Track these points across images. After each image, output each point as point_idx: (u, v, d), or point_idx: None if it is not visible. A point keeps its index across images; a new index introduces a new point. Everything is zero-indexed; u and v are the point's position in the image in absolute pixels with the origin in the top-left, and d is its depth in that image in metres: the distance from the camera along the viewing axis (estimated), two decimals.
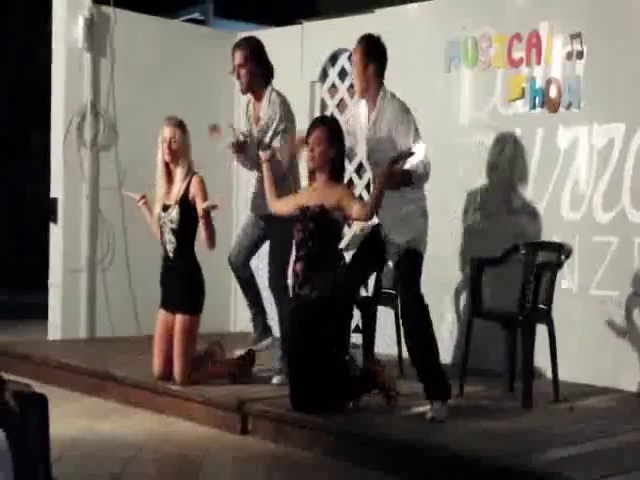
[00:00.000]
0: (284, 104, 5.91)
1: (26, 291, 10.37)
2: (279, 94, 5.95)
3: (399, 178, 4.97)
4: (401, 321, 5.31)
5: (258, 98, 5.97)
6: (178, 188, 5.80)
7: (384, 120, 5.26)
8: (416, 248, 5.18)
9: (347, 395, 5.27)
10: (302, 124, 7.62)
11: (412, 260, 5.17)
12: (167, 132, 5.80)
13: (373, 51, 5.38)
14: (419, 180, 5.10)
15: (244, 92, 6.03)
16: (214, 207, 5.65)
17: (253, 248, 6.09)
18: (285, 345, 5.69)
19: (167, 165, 5.85)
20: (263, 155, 5.49)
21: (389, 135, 5.21)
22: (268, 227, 5.91)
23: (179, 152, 5.80)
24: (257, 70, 5.92)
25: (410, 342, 5.16)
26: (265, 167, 5.46)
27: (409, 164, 5.02)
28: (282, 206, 5.40)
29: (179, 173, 5.81)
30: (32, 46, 9.80)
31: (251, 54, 5.91)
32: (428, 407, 5.10)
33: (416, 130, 5.22)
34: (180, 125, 5.82)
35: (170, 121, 5.84)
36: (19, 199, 12.69)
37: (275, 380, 5.86)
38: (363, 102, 5.43)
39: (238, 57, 5.91)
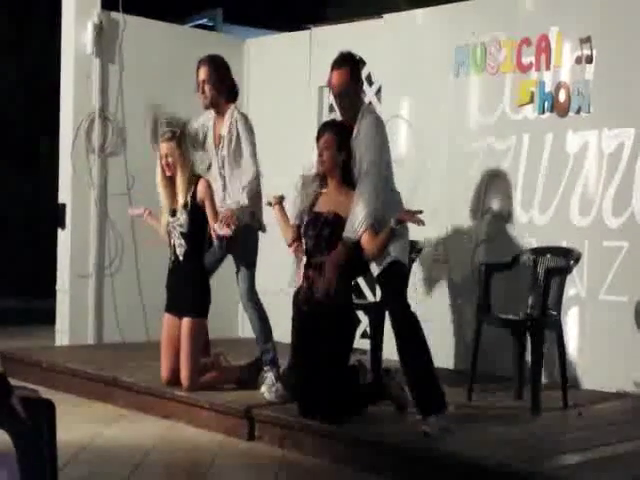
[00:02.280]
0: (246, 122, 5.96)
1: (41, 297, 10.38)
2: (241, 113, 6.03)
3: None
4: (394, 336, 5.11)
5: (221, 115, 6.03)
6: (183, 192, 5.76)
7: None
8: (400, 260, 5.08)
9: (357, 403, 5.24)
10: (310, 129, 7.67)
11: (396, 273, 5.09)
12: (162, 149, 5.77)
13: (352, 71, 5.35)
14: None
15: (206, 108, 6.10)
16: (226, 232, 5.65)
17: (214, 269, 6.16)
18: (293, 351, 5.65)
19: (170, 177, 5.83)
20: (273, 199, 5.50)
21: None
22: (228, 245, 5.92)
23: (176, 164, 5.75)
24: (221, 87, 6.00)
25: (402, 355, 5.06)
26: (277, 210, 5.47)
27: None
28: (290, 233, 5.38)
29: (181, 182, 5.76)
30: (48, 53, 9.84)
31: (215, 71, 6.01)
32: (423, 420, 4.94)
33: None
34: (173, 137, 5.75)
35: (163, 137, 5.79)
36: (33, 206, 12.71)
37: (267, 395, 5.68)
38: None
39: (203, 73, 6.02)
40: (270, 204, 5.54)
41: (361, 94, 5.46)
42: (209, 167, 6.06)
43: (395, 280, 5.11)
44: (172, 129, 5.74)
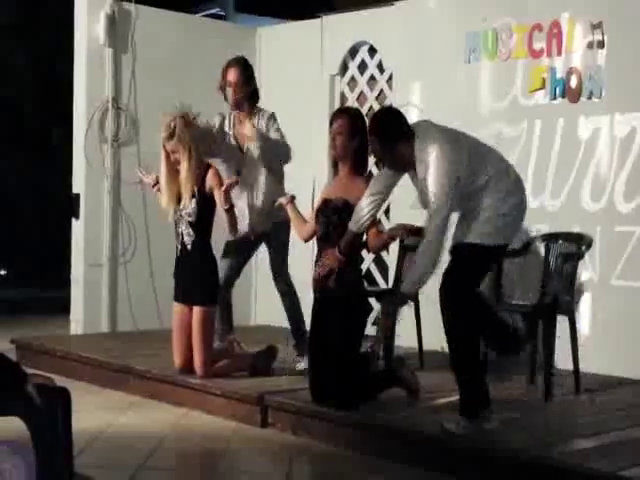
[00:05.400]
0: (276, 121, 6.11)
1: (55, 286, 10.45)
2: (272, 113, 6.16)
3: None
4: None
5: (244, 115, 6.14)
6: (191, 183, 5.72)
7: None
8: (485, 244, 4.64)
9: (369, 389, 5.26)
10: (322, 118, 7.68)
11: (472, 256, 4.68)
12: (167, 147, 5.74)
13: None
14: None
15: (233, 109, 6.20)
16: (235, 183, 5.68)
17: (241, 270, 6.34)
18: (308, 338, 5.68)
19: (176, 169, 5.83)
20: (284, 199, 5.52)
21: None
22: (266, 238, 6.17)
23: (182, 157, 5.70)
24: (248, 89, 6.13)
25: (450, 353, 4.73)
26: (289, 209, 5.49)
27: None
28: (308, 228, 5.40)
29: (187, 174, 5.70)
30: (61, 43, 9.88)
31: (244, 73, 6.14)
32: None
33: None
34: (173, 134, 5.68)
35: (164, 136, 5.75)
36: (46, 195, 12.77)
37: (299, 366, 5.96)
38: None
39: (233, 74, 6.12)
40: (282, 205, 5.53)
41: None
42: (239, 173, 6.08)
43: (462, 259, 4.67)
44: (168, 124, 5.73)
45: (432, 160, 4.58)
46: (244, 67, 6.18)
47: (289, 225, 5.75)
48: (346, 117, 5.24)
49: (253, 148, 6.02)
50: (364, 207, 4.96)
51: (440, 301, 4.64)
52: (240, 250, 6.20)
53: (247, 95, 6.13)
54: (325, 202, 5.22)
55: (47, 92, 12.19)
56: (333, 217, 5.15)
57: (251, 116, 6.11)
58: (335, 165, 5.30)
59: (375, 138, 4.80)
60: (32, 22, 12.78)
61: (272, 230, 6.10)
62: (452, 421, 4.67)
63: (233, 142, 6.17)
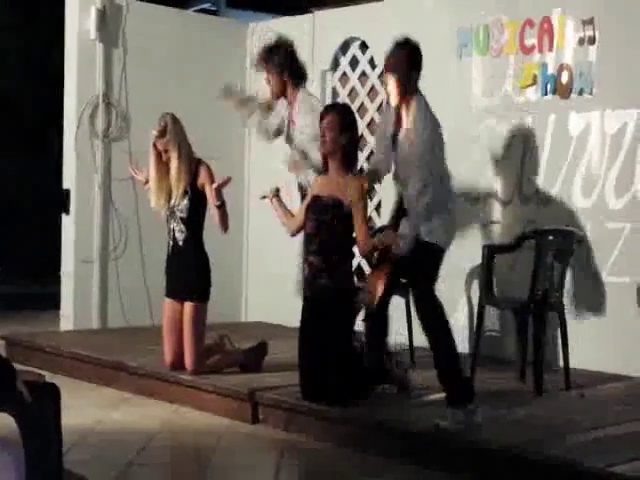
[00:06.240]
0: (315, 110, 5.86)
1: (46, 282, 10.43)
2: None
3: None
4: (420, 325, 5.03)
5: (290, 101, 6.03)
6: (182, 180, 5.72)
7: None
8: (436, 242, 4.93)
9: (360, 386, 5.26)
10: None
11: (429, 254, 4.93)
12: (159, 146, 5.75)
13: (415, 61, 5.19)
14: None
15: (276, 98, 6.07)
16: (226, 182, 5.65)
17: None
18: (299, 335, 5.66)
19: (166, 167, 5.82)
20: (269, 193, 5.46)
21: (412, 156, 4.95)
22: None
23: (172, 155, 5.71)
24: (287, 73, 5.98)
25: (429, 343, 4.96)
26: (275, 202, 5.43)
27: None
28: (296, 223, 5.35)
29: (178, 171, 5.72)
30: (55, 38, 9.84)
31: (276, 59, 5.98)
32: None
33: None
34: (164, 132, 5.71)
35: (155, 133, 5.75)
36: (40, 191, 12.74)
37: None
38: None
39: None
40: (265, 198, 5.50)
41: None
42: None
43: (425, 261, 4.93)
44: (162, 122, 5.73)
45: (429, 134, 4.88)
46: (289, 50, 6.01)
47: None
48: (335, 113, 5.23)
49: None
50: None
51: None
52: None
53: (287, 80, 5.95)
54: (315, 199, 5.22)
55: (42, 88, 12.17)
56: (323, 216, 5.14)
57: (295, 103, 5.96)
58: (325, 161, 5.28)
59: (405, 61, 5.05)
60: (24, 17, 12.75)
61: None
62: (445, 418, 4.71)
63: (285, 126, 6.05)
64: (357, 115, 6.49)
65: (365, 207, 5.15)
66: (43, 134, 12.76)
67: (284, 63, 5.97)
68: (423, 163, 4.87)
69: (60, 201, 7.96)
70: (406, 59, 5.10)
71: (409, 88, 5.08)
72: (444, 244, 4.99)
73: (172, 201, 5.78)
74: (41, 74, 12.51)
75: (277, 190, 5.46)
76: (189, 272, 5.83)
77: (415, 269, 4.96)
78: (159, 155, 5.77)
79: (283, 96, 6.04)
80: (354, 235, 5.17)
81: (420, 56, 5.17)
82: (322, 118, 5.23)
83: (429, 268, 4.95)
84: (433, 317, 4.91)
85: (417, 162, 4.88)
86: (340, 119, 5.17)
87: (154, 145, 5.78)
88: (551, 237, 5.84)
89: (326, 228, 5.12)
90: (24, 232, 12.70)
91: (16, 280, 12.01)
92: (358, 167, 5.46)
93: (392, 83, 5.09)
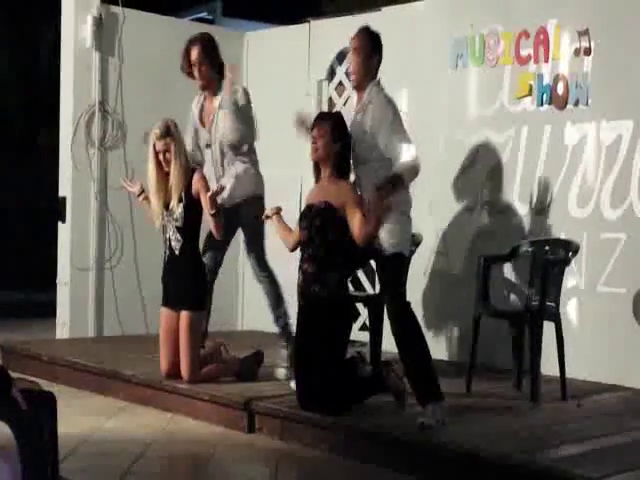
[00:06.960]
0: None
1: (42, 290, 10.42)
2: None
3: (388, 194, 4.93)
4: (390, 326, 5.14)
5: (212, 93, 6.16)
6: (179, 186, 5.74)
7: (369, 114, 5.18)
8: (401, 252, 5.11)
9: (356, 395, 5.26)
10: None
11: (397, 264, 5.11)
12: (158, 146, 5.75)
13: (378, 45, 5.35)
14: (410, 179, 5.08)
15: (203, 89, 6.20)
16: (221, 191, 5.68)
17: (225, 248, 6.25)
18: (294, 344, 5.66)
19: (164, 171, 5.82)
20: (270, 211, 5.50)
21: (372, 131, 5.13)
22: (239, 215, 6.07)
23: (172, 159, 5.73)
24: (215, 64, 6.13)
25: (399, 346, 5.08)
26: (275, 220, 5.47)
27: (394, 167, 5.02)
28: (293, 237, 5.38)
29: (176, 176, 5.73)
30: (47, 46, 9.88)
31: (206, 49, 6.11)
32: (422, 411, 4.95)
33: (403, 132, 5.13)
34: (168, 133, 5.75)
35: (157, 133, 5.77)
36: (33, 199, 12.74)
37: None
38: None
39: (195, 53, 6.10)
40: (268, 217, 5.52)
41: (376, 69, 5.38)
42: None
43: (395, 271, 5.12)
44: (165, 124, 5.74)
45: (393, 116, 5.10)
46: (206, 42, 6.12)
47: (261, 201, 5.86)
48: (327, 121, 5.24)
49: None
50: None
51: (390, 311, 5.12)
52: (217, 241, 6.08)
53: (214, 71, 6.08)
54: (308, 207, 5.23)
55: (33, 95, 12.17)
56: (315, 220, 5.15)
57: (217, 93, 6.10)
58: (317, 171, 5.29)
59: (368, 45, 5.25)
60: (17, 25, 12.76)
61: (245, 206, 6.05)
62: (425, 415, 4.83)
63: (198, 123, 6.17)
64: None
65: (360, 202, 5.09)
66: (35, 140, 12.75)
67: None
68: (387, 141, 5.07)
69: (51, 208, 7.96)
70: (369, 42, 5.32)
71: (370, 71, 5.28)
72: (408, 252, 5.28)
73: (171, 203, 5.77)
74: (29, 82, 12.52)
75: (279, 209, 5.48)
76: (185, 280, 5.82)
77: (386, 279, 5.17)
78: (158, 156, 5.77)
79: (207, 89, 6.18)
80: (349, 236, 5.14)
81: (381, 44, 5.37)
82: (314, 126, 5.24)
83: (399, 276, 5.15)
84: (405, 316, 5.06)
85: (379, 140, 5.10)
86: (332, 127, 5.18)
87: (153, 146, 5.77)
88: (547, 247, 5.86)
89: (317, 233, 5.12)
90: (14, 239, 12.70)
91: (6, 287, 12.00)
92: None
93: (356, 63, 5.31)
